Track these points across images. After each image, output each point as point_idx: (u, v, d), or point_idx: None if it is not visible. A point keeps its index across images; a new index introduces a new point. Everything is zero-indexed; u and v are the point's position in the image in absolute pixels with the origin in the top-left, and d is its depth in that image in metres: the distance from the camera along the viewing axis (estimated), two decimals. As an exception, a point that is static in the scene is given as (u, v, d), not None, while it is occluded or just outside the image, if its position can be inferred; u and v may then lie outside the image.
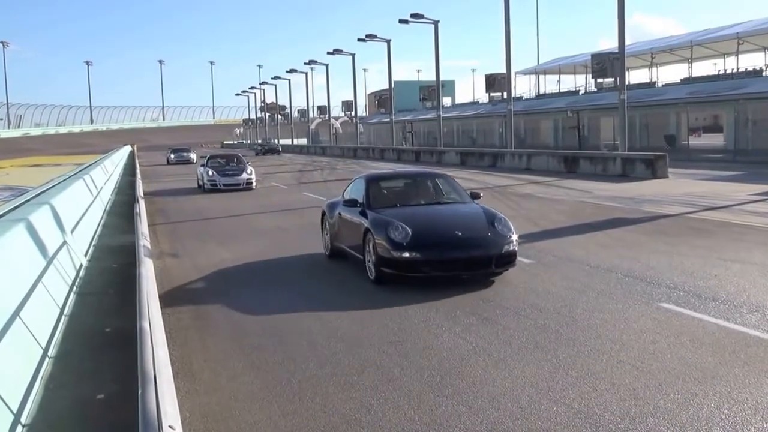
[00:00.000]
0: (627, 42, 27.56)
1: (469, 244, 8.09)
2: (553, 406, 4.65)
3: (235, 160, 26.48)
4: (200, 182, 25.08)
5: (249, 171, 24.94)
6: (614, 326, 6.41)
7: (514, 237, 8.37)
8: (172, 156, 49.78)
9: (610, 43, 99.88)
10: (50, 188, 12.86)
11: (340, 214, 9.85)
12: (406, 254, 7.95)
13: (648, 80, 50.17)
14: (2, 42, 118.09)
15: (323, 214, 10.65)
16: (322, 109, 74.86)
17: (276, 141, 74.38)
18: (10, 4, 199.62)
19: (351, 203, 9.45)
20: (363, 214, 9.02)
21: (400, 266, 8.02)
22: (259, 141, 73.53)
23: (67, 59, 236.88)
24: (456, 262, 8.01)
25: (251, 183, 24.56)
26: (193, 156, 48.57)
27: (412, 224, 8.24)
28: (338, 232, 9.93)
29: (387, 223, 8.31)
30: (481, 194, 9.96)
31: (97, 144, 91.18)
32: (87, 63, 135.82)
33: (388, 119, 53.06)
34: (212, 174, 24.44)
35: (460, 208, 9.23)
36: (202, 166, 25.66)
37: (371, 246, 8.39)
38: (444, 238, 8.16)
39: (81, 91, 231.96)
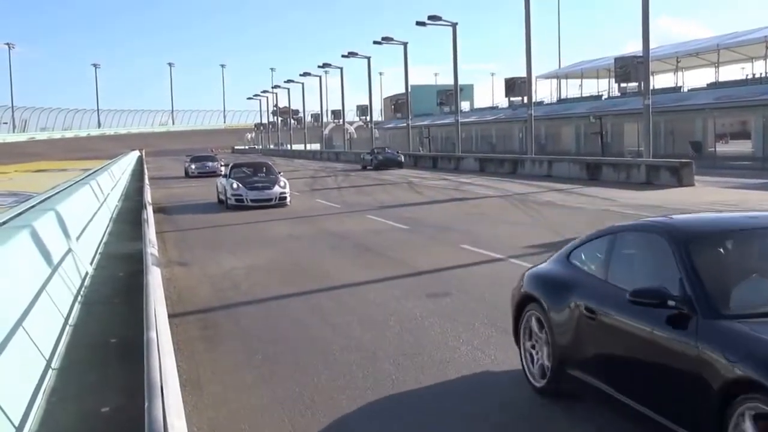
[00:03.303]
0: (651, 45, 27.21)
1: None
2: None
3: (264, 169, 22.45)
4: (222, 197, 21.19)
5: (282, 183, 20.66)
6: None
7: None
8: (193, 166, 39.59)
9: (634, 47, 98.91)
10: (55, 194, 12.85)
11: (593, 312, 4.40)
12: None
13: (673, 85, 49.45)
14: (8, 44, 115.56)
15: (525, 299, 5.20)
16: (337, 114, 74.58)
17: (396, 150, 44.97)
18: (17, 5, 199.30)
19: (646, 296, 3.84)
20: (686, 327, 3.68)
21: None
22: (373, 148, 46.11)
23: (74, 62, 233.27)
24: None
25: (285, 198, 20.29)
26: (219, 166, 37.34)
27: None
28: (587, 349, 4.46)
29: None
30: None
31: (104, 149, 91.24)
32: (94, 66, 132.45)
33: (405, 124, 52.92)
34: (237, 187, 20.22)
35: None
36: (225, 177, 22.01)
37: None
38: None
39: (88, 95, 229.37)
